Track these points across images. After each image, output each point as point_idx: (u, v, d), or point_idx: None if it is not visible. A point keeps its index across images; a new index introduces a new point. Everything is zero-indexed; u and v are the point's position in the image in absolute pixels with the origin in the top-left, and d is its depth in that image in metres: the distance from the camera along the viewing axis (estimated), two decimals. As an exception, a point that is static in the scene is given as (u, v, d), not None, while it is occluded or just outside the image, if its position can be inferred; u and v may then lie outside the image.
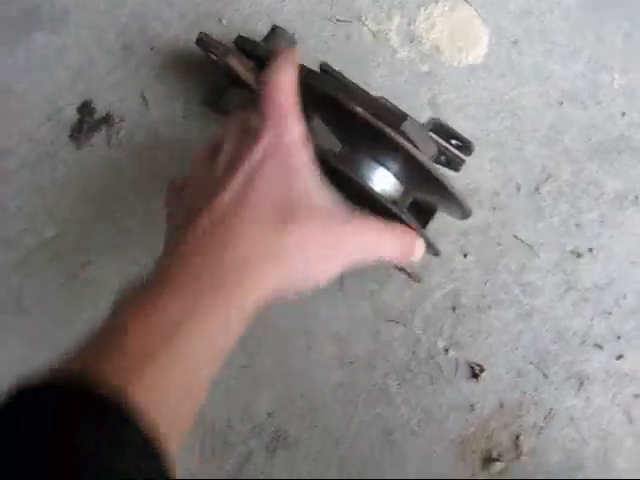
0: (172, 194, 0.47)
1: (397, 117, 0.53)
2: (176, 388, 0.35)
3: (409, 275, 0.55)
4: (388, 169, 0.53)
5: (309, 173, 0.43)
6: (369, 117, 0.49)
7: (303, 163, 0.42)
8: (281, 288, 0.41)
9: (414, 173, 0.50)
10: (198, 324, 0.37)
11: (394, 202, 0.54)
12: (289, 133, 0.42)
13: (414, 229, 0.51)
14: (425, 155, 0.55)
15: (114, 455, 0.29)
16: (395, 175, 0.53)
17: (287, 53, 0.49)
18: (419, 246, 0.50)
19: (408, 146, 0.48)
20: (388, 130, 0.48)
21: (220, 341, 0.39)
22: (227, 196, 0.40)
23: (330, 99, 0.52)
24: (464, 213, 0.54)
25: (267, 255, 0.39)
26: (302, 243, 0.40)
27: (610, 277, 0.63)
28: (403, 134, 0.52)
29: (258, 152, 0.41)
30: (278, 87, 0.43)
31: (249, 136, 0.42)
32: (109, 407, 0.31)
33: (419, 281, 0.57)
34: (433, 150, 0.56)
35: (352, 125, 0.52)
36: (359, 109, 0.49)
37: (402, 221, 0.51)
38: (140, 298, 0.39)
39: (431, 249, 0.54)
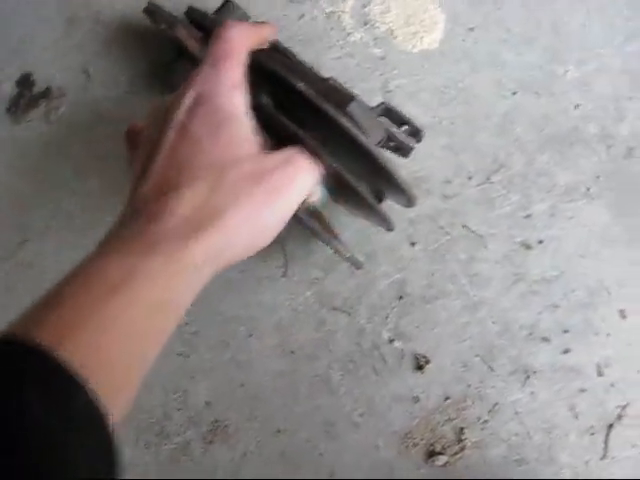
0: (130, 139, 0.47)
1: (344, 98, 0.51)
2: (112, 351, 0.34)
3: (350, 261, 0.53)
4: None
5: (242, 119, 0.42)
6: (312, 95, 0.47)
7: (236, 108, 0.42)
8: (227, 248, 0.39)
9: (358, 157, 0.48)
10: (135, 288, 0.35)
11: (317, 211, 0.54)
12: (221, 79, 0.42)
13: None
14: (372, 139, 0.54)
15: (59, 420, 0.29)
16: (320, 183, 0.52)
17: (267, 25, 0.51)
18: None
19: (350, 127, 0.46)
20: (331, 110, 0.47)
21: (162, 308, 0.37)
22: (160, 159, 0.39)
23: (275, 75, 0.50)
24: (409, 201, 0.52)
25: (206, 215, 0.39)
26: (237, 198, 0.39)
27: (559, 270, 0.62)
28: (349, 116, 0.51)
29: (186, 101, 0.41)
30: (223, 39, 0.43)
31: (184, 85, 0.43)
32: (48, 367, 0.30)
33: (360, 267, 0.55)
34: (381, 134, 0.54)
35: (297, 105, 0.50)
36: (302, 86, 0.47)
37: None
38: (86, 258, 0.38)
39: (386, 223, 0.53)
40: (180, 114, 0.40)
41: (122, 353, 0.35)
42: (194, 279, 0.39)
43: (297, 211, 0.49)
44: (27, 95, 0.67)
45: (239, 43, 0.45)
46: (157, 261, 0.36)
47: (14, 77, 0.68)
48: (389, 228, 0.55)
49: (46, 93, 0.67)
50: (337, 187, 0.53)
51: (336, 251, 0.53)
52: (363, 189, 0.50)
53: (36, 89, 0.68)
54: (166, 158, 0.39)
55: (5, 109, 0.67)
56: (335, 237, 0.54)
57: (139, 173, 0.40)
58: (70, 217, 0.65)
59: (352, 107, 0.51)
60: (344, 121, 0.47)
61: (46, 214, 0.65)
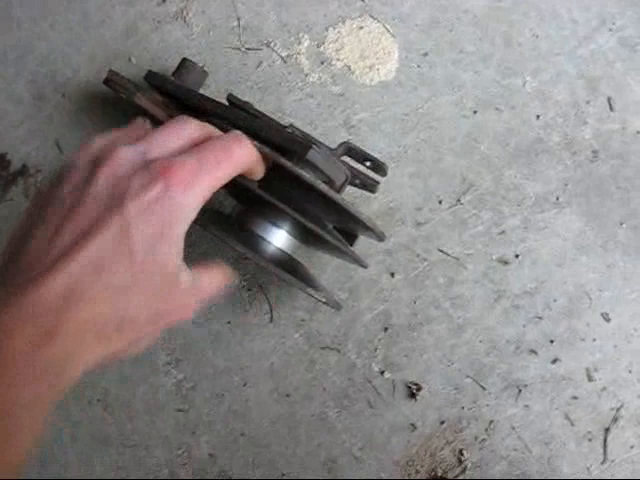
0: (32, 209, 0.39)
1: (302, 147, 0.53)
2: None
3: (329, 304, 0.55)
4: (280, 227, 0.53)
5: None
6: (267, 151, 0.48)
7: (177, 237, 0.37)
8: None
9: (322, 204, 0.50)
10: None
11: (290, 259, 0.56)
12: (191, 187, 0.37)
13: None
14: (337, 181, 0.55)
15: None
16: (288, 232, 0.54)
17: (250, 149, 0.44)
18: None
19: (306, 177, 0.48)
20: (287, 163, 0.48)
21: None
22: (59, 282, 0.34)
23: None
24: (378, 237, 0.54)
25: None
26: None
27: (538, 281, 0.64)
28: (310, 163, 0.52)
29: (133, 205, 0.35)
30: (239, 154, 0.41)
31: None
32: None
33: (339, 309, 0.57)
34: (344, 175, 0.56)
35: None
36: (255, 143, 0.49)
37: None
38: None
39: (358, 261, 0.55)
40: (115, 227, 0.35)
41: None
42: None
43: (263, 262, 0.51)
44: (4, 175, 0.69)
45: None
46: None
47: (-10, 158, 0.70)
48: (363, 265, 0.56)
49: (22, 171, 0.70)
50: (305, 234, 0.55)
51: (313, 297, 0.54)
52: (328, 234, 0.52)
53: (12, 168, 0.70)
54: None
55: (-15, 191, 0.69)
56: (310, 283, 0.56)
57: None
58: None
59: (311, 155, 0.53)
60: (301, 172, 0.48)
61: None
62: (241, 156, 0.41)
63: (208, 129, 0.42)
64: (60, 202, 0.35)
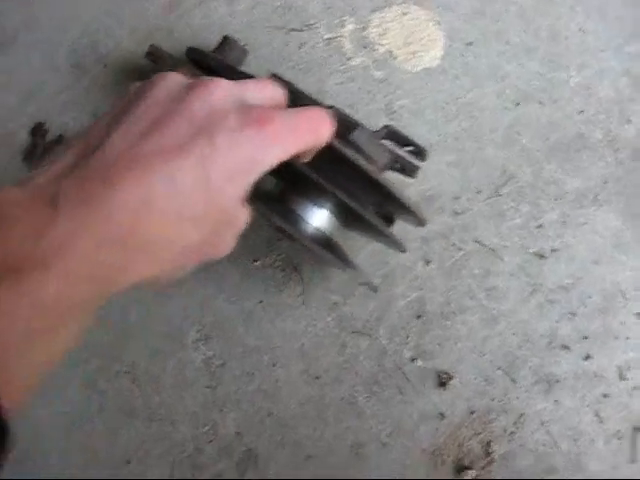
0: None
1: (347, 126, 0.53)
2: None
3: (366, 284, 0.54)
4: (321, 207, 0.53)
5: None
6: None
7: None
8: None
9: (365, 185, 0.50)
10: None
11: (328, 239, 0.55)
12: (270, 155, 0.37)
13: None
14: (378, 163, 0.55)
15: None
16: (328, 211, 0.54)
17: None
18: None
19: (353, 156, 0.48)
20: (334, 141, 0.48)
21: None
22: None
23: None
24: (419, 222, 0.53)
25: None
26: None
27: (574, 277, 0.63)
28: (353, 144, 0.52)
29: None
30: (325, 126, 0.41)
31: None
32: None
33: (376, 291, 0.56)
34: (386, 158, 0.56)
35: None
36: None
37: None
38: None
39: (397, 245, 0.54)
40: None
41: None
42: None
43: (306, 240, 0.51)
44: (41, 144, 0.69)
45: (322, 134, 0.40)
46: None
47: (27, 126, 0.70)
48: (401, 250, 0.56)
49: (59, 140, 0.69)
50: (346, 215, 0.55)
51: (350, 277, 0.54)
52: (370, 215, 0.52)
53: (49, 136, 0.70)
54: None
55: (21, 159, 0.69)
56: (348, 264, 0.56)
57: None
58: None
59: (355, 135, 0.53)
60: (347, 151, 0.48)
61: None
62: (324, 134, 0.41)
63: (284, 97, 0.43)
64: (145, 112, 0.35)
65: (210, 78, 0.38)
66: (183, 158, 0.33)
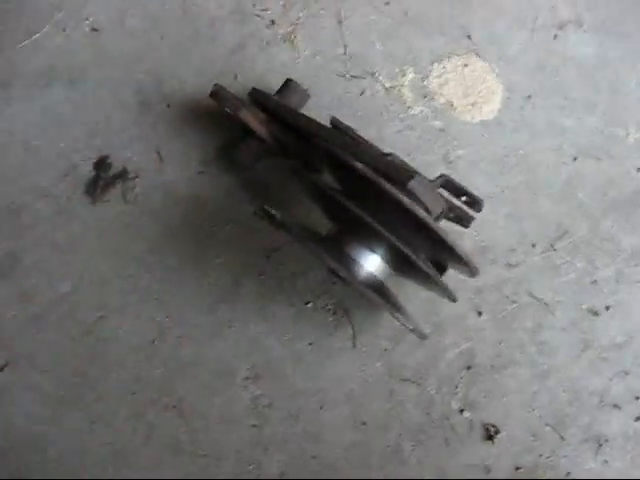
0: None
1: (405, 175, 0.54)
2: None
3: (415, 333, 0.55)
4: (375, 252, 0.54)
5: None
6: (372, 175, 0.50)
7: None
8: None
9: (419, 232, 0.51)
10: None
11: (381, 284, 0.56)
12: None
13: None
14: (433, 212, 0.56)
15: None
16: (382, 257, 0.54)
17: None
18: None
19: (409, 204, 0.49)
20: (391, 188, 0.49)
21: None
22: None
23: (336, 157, 0.53)
24: (471, 272, 0.54)
25: None
26: None
27: (628, 335, 0.63)
28: (410, 192, 0.53)
29: None
30: None
31: None
32: None
33: (425, 338, 0.57)
34: (441, 207, 0.57)
35: (358, 185, 0.53)
36: (361, 167, 0.50)
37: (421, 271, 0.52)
38: None
39: (448, 294, 0.55)
40: None
41: None
42: None
43: (359, 284, 0.52)
44: (104, 177, 0.72)
45: None
46: None
47: (92, 159, 0.73)
48: (452, 299, 0.57)
49: (122, 174, 0.72)
50: (398, 261, 0.55)
51: (401, 323, 0.55)
52: (423, 262, 0.52)
53: (112, 171, 0.72)
54: None
55: (83, 191, 0.71)
56: (399, 309, 0.56)
57: None
58: (147, 292, 0.68)
59: (413, 184, 0.54)
60: (403, 199, 0.50)
61: (124, 290, 0.69)
62: None
63: None
64: None
65: None
66: None
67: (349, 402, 0.64)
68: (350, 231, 0.57)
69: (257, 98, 0.67)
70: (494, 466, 0.61)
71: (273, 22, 0.74)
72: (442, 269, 0.62)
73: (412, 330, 0.58)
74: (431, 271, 0.54)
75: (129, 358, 0.67)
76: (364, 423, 0.63)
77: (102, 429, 0.66)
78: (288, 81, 0.69)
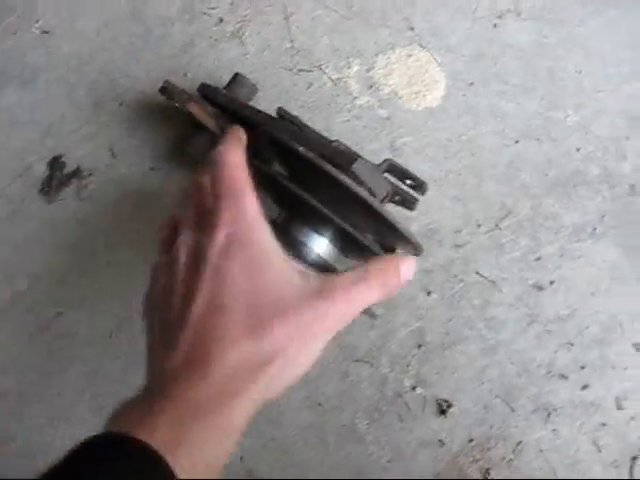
0: (146, 305, 0.45)
1: (348, 158, 0.56)
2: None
3: (366, 313, 0.57)
4: (322, 235, 0.56)
5: (273, 252, 0.43)
6: (314, 157, 0.51)
7: (265, 241, 0.43)
8: (271, 390, 0.41)
9: (364, 213, 0.52)
10: (185, 456, 0.35)
11: (330, 266, 0.57)
12: (245, 212, 0.42)
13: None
14: (378, 195, 0.58)
15: None
16: (329, 239, 0.56)
17: (233, 131, 0.52)
18: (407, 268, 0.50)
19: (352, 185, 0.51)
20: (333, 170, 0.51)
21: (214, 460, 0.37)
22: (198, 307, 0.38)
23: (281, 144, 0.55)
24: (415, 249, 0.56)
25: (250, 368, 0.38)
26: (281, 343, 0.39)
27: (572, 308, 0.66)
28: (354, 175, 0.55)
29: (218, 241, 0.40)
30: (227, 166, 0.44)
31: (206, 222, 0.42)
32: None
33: (375, 319, 0.59)
34: (386, 190, 0.59)
35: (303, 170, 0.55)
36: (301, 149, 0.52)
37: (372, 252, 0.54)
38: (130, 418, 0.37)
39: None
40: (214, 255, 0.40)
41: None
42: (240, 426, 0.39)
43: (308, 267, 0.54)
44: (58, 175, 0.73)
45: (239, 176, 0.44)
46: (207, 426, 0.36)
47: (46, 158, 0.74)
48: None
49: (76, 173, 0.73)
50: (346, 242, 0.57)
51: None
52: (369, 242, 0.54)
53: (66, 169, 0.73)
54: (202, 307, 0.38)
55: (38, 190, 0.73)
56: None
57: (164, 342, 0.39)
58: (104, 286, 0.70)
59: (356, 166, 0.56)
60: (346, 179, 0.51)
61: (81, 285, 0.70)
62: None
63: None
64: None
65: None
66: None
67: (305, 385, 0.66)
68: (298, 216, 0.58)
69: (206, 93, 0.69)
70: (448, 439, 0.64)
71: (221, 20, 0.76)
72: (390, 251, 0.64)
73: (364, 312, 0.59)
74: (377, 249, 0.56)
75: (88, 352, 0.68)
76: (320, 404, 0.65)
77: (63, 423, 0.67)
78: (236, 75, 0.71)
